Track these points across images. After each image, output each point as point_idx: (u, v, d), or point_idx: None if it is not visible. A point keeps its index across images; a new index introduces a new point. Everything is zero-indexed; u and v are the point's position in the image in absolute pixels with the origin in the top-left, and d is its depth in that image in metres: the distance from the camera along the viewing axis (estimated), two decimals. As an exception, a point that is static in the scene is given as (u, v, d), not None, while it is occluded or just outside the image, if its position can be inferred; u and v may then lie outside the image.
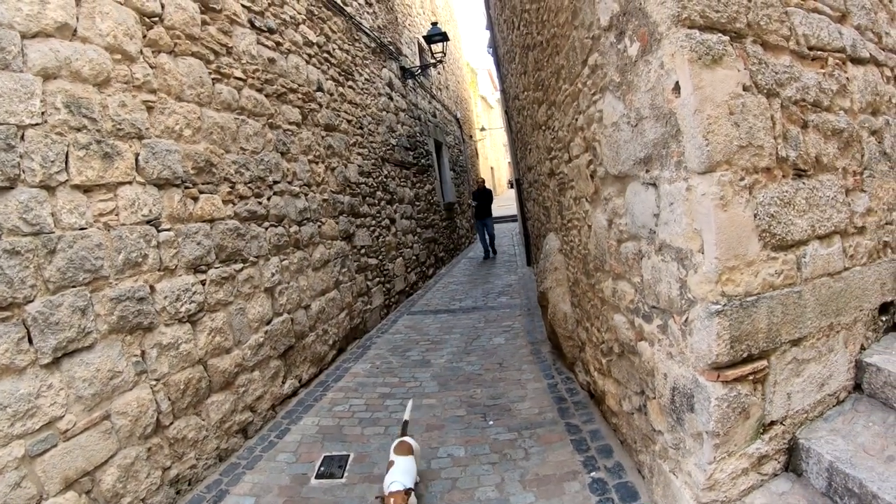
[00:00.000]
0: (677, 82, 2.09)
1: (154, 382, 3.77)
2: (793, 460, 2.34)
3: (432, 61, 13.08)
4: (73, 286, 3.28)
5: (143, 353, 3.72)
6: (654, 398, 2.70)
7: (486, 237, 14.46)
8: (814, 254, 2.32)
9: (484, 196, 14.44)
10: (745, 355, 2.15)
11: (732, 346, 2.11)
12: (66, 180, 3.29)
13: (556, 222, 5.17)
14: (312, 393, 5.56)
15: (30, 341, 2.99)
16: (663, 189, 2.30)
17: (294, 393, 5.46)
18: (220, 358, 4.44)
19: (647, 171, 2.43)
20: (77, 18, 3.39)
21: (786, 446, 2.34)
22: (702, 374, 2.18)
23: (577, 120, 3.53)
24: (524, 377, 5.26)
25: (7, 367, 2.87)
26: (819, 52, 2.44)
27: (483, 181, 15.41)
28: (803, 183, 2.29)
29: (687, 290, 2.21)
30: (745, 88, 2.12)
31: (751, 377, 2.18)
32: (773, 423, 2.29)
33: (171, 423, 3.87)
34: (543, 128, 5.15)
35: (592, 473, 3.42)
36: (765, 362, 2.21)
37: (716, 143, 2.03)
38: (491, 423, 4.37)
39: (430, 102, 14.07)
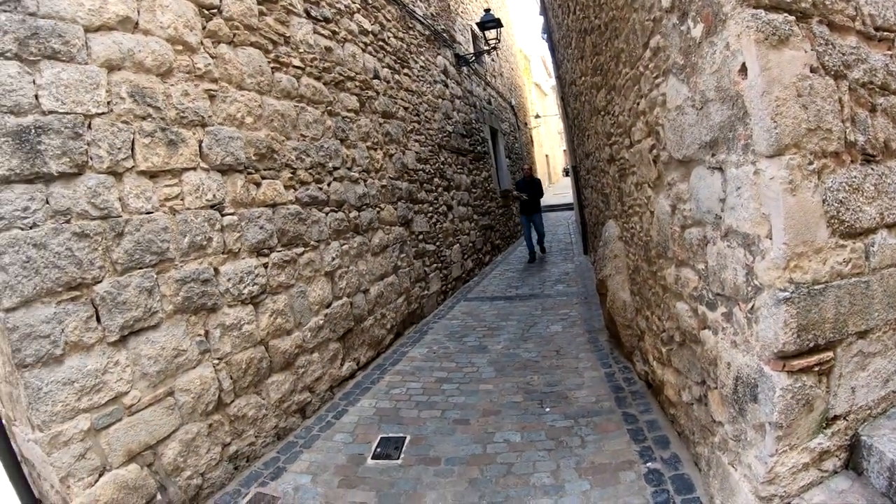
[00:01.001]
0: (744, 63, 2.02)
1: (217, 361, 3.91)
2: (853, 458, 2.25)
3: (486, 48, 12.99)
4: (140, 268, 3.41)
5: (206, 332, 3.86)
6: (716, 388, 2.65)
7: (533, 236, 12.38)
8: (882, 243, 2.21)
9: (532, 187, 12.04)
10: (811, 345, 2.08)
11: (799, 335, 2.04)
12: (133, 166, 3.41)
13: (615, 209, 5.09)
14: (370, 376, 5.65)
15: (98, 320, 3.13)
16: (730, 173, 2.24)
17: (352, 375, 5.57)
18: (281, 339, 4.56)
19: (713, 155, 2.37)
20: (138, 12, 3.51)
21: (847, 443, 2.25)
22: (767, 363, 2.13)
23: (638, 104, 3.47)
24: (581, 365, 5.24)
25: (76, 343, 3.00)
26: (886, 33, 2.31)
27: (530, 169, 13.24)
28: (872, 169, 2.19)
29: (753, 277, 2.15)
30: (812, 70, 2.04)
31: (816, 368, 2.11)
32: (836, 417, 2.21)
33: (232, 401, 4.01)
34: (602, 113, 5.07)
35: (648, 464, 3.39)
36: (830, 353, 2.13)
37: (784, 126, 1.96)
38: (548, 409, 4.36)
39: (484, 89, 13.99)
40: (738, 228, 2.24)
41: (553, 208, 23.49)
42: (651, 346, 4.01)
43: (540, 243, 12.66)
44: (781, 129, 1.96)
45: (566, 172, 43.43)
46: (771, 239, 2.03)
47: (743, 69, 2.03)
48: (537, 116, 30.52)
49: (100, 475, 3.05)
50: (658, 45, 2.87)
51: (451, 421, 4.42)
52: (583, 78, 6.43)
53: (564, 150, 47.00)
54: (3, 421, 3.30)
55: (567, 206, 21.96)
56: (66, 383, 2.95)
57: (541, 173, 28.92)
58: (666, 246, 3.22)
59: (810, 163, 2.01)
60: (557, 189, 34.26)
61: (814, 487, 2.24)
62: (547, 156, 36.16)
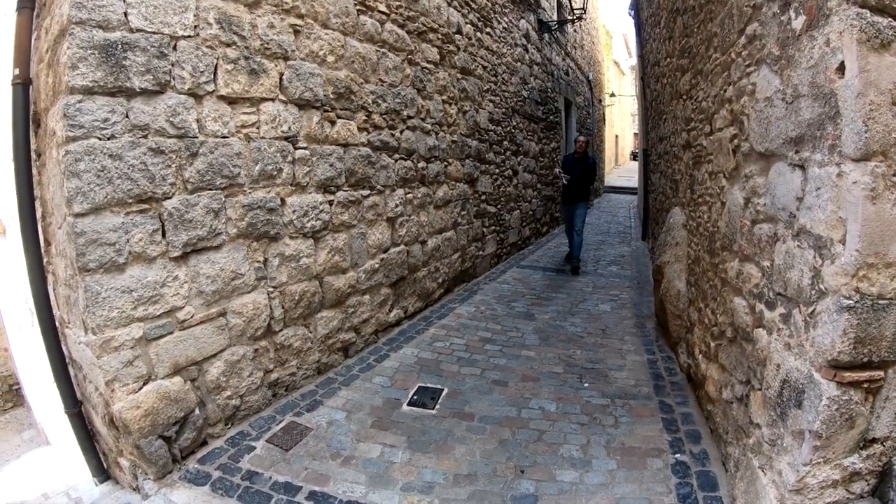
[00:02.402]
0: (842, 62, 1.95)
1: (271, 290, 4.04)
2: (882, 486, 2.19)
3: (571, 17, 12.73)
4: (210, 189, 3.53)
5: (265, 260, 3.99)
6: (760, 389, 2.62)
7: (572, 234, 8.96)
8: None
9: (581, 167, 8.77)
10: (864, 360, 2.02)
11: (855, 347, 1.99)
12: (213, 90, 3.51)
13: (684, 196, 5.01)
14: (415, 326, 5.76)
15: (163, 234, 3.24)
16: (812, 172, 2.18)
17: (398, 323, 5.67)
18: (336, 277, 4.68)
19: (797, 152, 2.31)
20: (231, -63, 3.60)
21: (879, 468, 2.19)
22: (818, 369, 2.09)
23: (725, 91, 3.38)
24: (625, 348, 5.24)
25: (139, 255, 3.12)
26: None
27: (586, 142, 9.07)
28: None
29: (819, 281, 2.11)
30: (908, 79, 1.96)
31: (865, 385, 2.05)
32: (874, 440, 2.15)
33: (280, 330, 4.13)
34: (685, 97, 4.96)
35: (677, 455, 3.40)
36: (882, 373, 2.07)
37: (874, 131, 1.89)
38: (586, 385, 4.40)
39: (563, 59, 13.73)
40: (811, 229, 2.19)
41: (616, 190, 23.29)
42: (699, 339, 3.98)
43: (572, 251, 8.88)
44: (871, 135, 1.89)
45: (634, 156, 42.61)
46: (844, 244, 1.98)
47: (840, 68, 1.96)
48: (612, 95, 29.83)
49: (144, 383, 3.17)
50: (755, 32, 2.78)
51: (489, 381, 4.48)
52: (668, 59, 6.28)
53: (635, 133, 46.07)
54: (57, 323, 3.43)
55: (630, 191, 21.77)
56: (125, 291, 3.06)
57: (607, 153, 28.34)
58: (733, 238, 3.17)
59: (895, 174, 1.95)
60: (622, 172, 33.72)
61: (837, 510, 2.21)
62: (617, 136, 35.44)
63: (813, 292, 2.16)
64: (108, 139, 2.94)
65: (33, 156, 3.40)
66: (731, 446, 3.03)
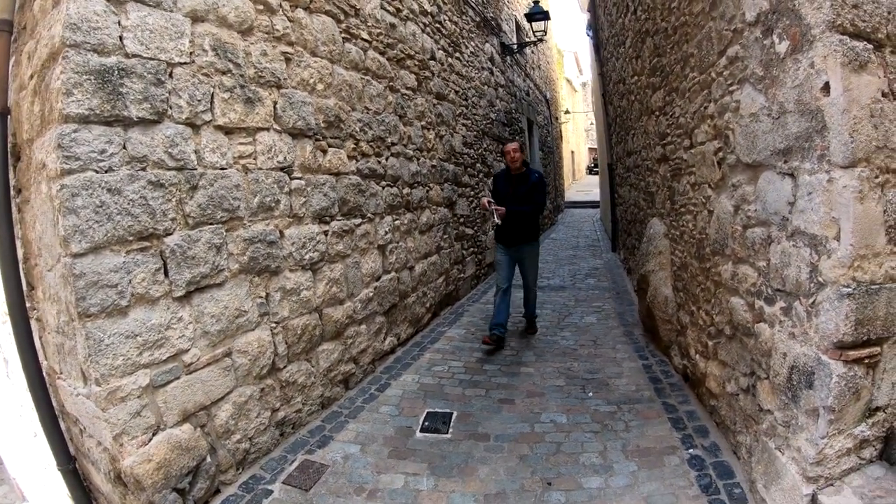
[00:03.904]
0: (827, 82, 2.22)
1: (274, 325, 3.93)
2: (887, 449, 2.45)
3: (532, 39, 13.11)
4: (211, 223, 3.39)
5: (267, 295, 3.88)
6: (767, 378, 2.83)
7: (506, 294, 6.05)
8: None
9: (522, 190, 5.83)
10: (864, 339, 2.28)
11: (857, 328, 2.25)
12: (211, 120, 3.39)
13: (662, 207, 5.27)
14: (409, 352, 5.81)
15: (165, 273, 3.07)
16: (802, 179, 2.43)
17: (392, 350, 5.70)
18: (334, 308, 4.64)
19: (786, 162, 2.56)
20: (223, -34, 3.51)
21: (884, 434, 2.45)
22: (825, 352, 2.32)
23: (706, 108, 3.64)
24: (619, 356, 5.42)
25: (142, 296, 2.94)
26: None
27: (519, 152, 5.90)
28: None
29: (818, 274, 2.35)
30: (883, 94, 2.24)
31: (866, 360, 2.31)
32: (877, 408, 2.41)
33: (285, 367, 4.04)
34: (658, 113, 5.23)
35: (690, 450, 3.55)
36: (878, 349, 2.33)
37: (859, 142, 2.18)
38: (590, 394, 4.55)
39: (524, 80, 14.13)
40: (805, 229, 2.43)
41: (577, 204, 23.74)
42: (694, 340, 4.20)
43: (528, 309, 6.46)
44: (856, 144, 2.18)
45: (590, 170, 43.42)
46: (838, 240, 2.23)
47: (826, 87, 2.23)
48: (567, 112, 30.55)
49: (153, 434, 2.99)
50: (736, 54, 3.05)
51: (496, 400, 4.57)
52: (635, 77, 6.57)
53: (590, 148, 47.03)
54: (45, 374, 3.21)
55: (592, 204, 22.15)
56: (129, 336, 2.87)
57: (565, 169, 28.86)
58: (724, 244, 3.41)
59: (877, 176, 2.23)
60: (581, 186, 34.35)
61: (852, 473, 2.44)
62: (573, 152, 36.14)
63: (812, 285, 2.40)
64: (106, 172, 2.78)
65: (12, 192, 3.20)
66: (741, 435, 3.24)
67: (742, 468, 3.22)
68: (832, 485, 2.43)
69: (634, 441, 3.76)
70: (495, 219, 5.72)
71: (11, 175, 3.21)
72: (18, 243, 3.25)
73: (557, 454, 3.70)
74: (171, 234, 3.12)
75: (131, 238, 2.90)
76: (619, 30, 7.90)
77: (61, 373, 3.18)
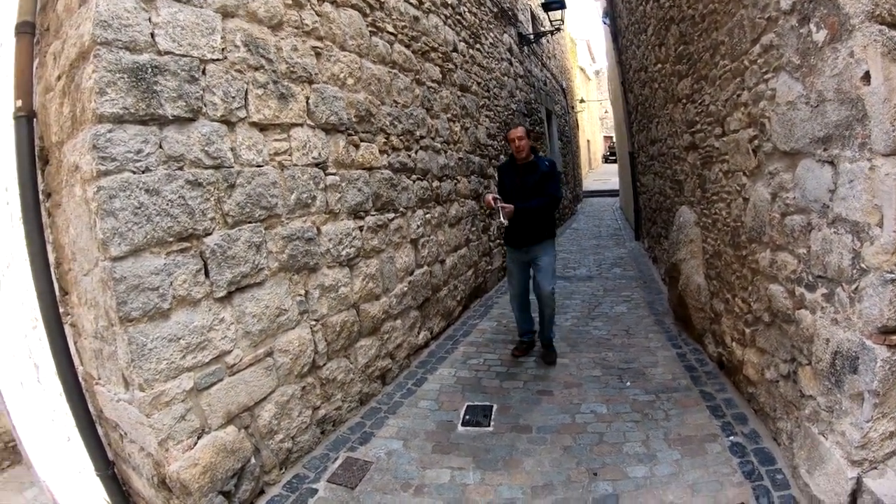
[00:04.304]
0: (867, 72, 2.23)
1: (314, 323, 3.93)
2: None
3: (550, 29, 13.07)
4: (250, 222, 3.37)
5: (306, 293, 3.88)
6: (809, 364, 2.85)
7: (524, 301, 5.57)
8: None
9: (531, 182, 5.02)
10: (906, 324, 2.31)
11: (900, 313, 2.27)
12: (245, 117, 3.36)
13: (692, 196, 5.27)
14: (443, 345, 5.85)
15: (206, 274, 3.05)
16: (843, 167, 2.44)
17: (426, 344, 5.72)
18: (371, 304, 4.67)
19: (825, 150, 2.57)
20: (251, -40, 3.48)
21: None
22: (869, 337, 2.34)
23: (739, 96, 3.65)
24: (652, 345, 5.43)
25: (183, 298, 2.90)
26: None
27: (528, 136, 5.15)
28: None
29: (860, 261, 2.37)
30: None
31: (909, 345, 2.34)
32: None
33: (325, 364, 4.04)
34: (685, 101, 5.22)
35: (731, 437, 3.57)
36: None
37: (899, 130, 2.19)
38: (628, 384, 4.57)
39: (541, 71, 14.08)
40: (847, 217, 2.45)
41: (595, 194, 23.65)
42: (730, 327, 4.21)
43: (543, 330, 5.40)
44: (898, 133, 2.19)
45: (605, 159, 43.18)
46: (881, 227, 2.25)
47: (866, 77, 2.24)
48: (582, 101, 30.39)
49: (198, 437, 2.97)
50: (771, 42, 3.05)
51: (534, 392, 4.59)
52: (659, 66, 6.55)
53: (605, 137, 46.80)
54: (81, 379, 3.20)
55: (610, 193, 22.04)
56: (172, 340, 2.84)
57: (582, 159, 28.71)
58: (761, 231, 3.42)
59: (917, 165, 2.24)
60: (597, 175, 34.24)
61: (895, 457, 2.47)
62: (588, 141, 36.01)
63: (854, 271, 2.42)
64: (143, 172, 2.73)
65: (42, 196, 3.17)
66: (782, 421, 3.27)
67: (783, 454, 3.24)
68: (876, 468, 2.46)
69: (675, 429, 3.78)
70: (501, 218, 4.73)
71: (40, 179, 3.18)
72: (49, 248, 3.22)
73: (601, 444, 3.72)
74: (210, 234, 3.10)
75: (171, 239, 2.86)
76: (640, 17, 7.85)
77: (99, 378, 3.17)
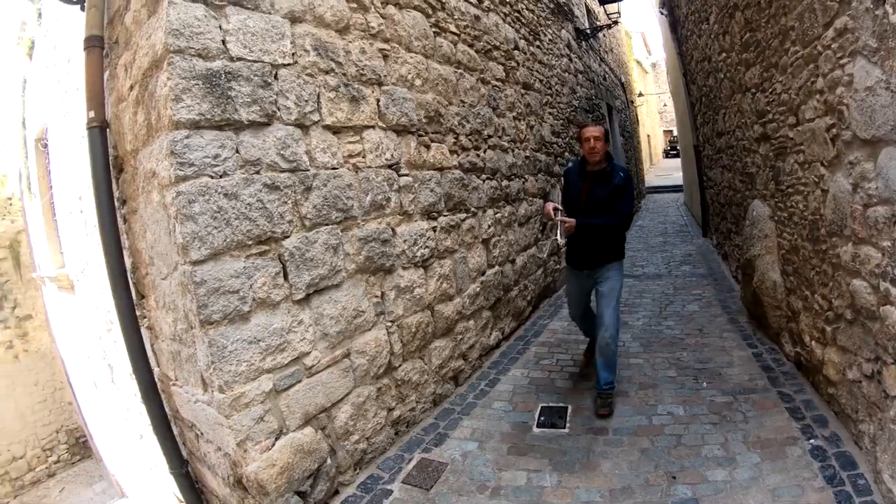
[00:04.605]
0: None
1: (390, 324, 3.99)
2: None
3: (607, 22, 12.86)
4: (327, 224, 3.43)
5: (382, 294, 3.93)
6: (894, 363, 2.70)
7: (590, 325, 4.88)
8: None
9: (605, 193, 4.25)
10: None
11: None
12: (319, 120, 3.42)
13: (765, 189, 5.07)
14: (514, 346, 5.82)
15: (285, 276, 3.10)
16: (930, 154, 2.30)
17: (497, 345, 5.69)
18: (444, 304, 4.68)
19: (910, 137, 2.43)
20: (316, -34, 3.51)
21: None
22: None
23: (813, 83, 3.48)
24: (727, 344, 5.26)
25: (263, 301, 2.96)
26: None
27: (600, 145, 4.27)
28: None
29: (952, 253, 2.23)
30: None
31: None
32: None
33: (400, 365, 4.08)
34: (755, 90, 5.03)
35: (811, 441, 3.43)
36: None
37: None
38: (704, 384, 4.44)
39: (600, 65, 13.82)
40: (935, 207, 2.31)
41: (658, 189, 23.27)
42: (809, 325, 4.03)
43: (600, 370, 4.29)
44: None
45: (666, 153, 42.20)
46: (975, 217, 2.10)
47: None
48: (640, 94, 29.78)
49: (276, 438, 3.02)
50: (845, 26, 2.90)
51: None
52: (723, 55, 6.35)
53: (665, 131, 45.78)
54: (157, 380, 3.32)
55: (672, 189, 21.65)
56: (252, 342, 2.90)
57: (642, 154, 28.13)
58: (842, 224, 3.25)
59: None
60: (658, 171, 33.50)
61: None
62: (648, 135, 35.13)
63: (943, 265, 2.27)
64: (221, 177, 2.80)
65: (117, 204, 3.30)
66: (864, 423, 3.10)
67: (865, 458, 3.09)
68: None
69: (754, 432, 3.66)
70: (557, 236, 4.11)
71: (115, 187, 3.31)
72: (126, 253, 3.35)
73: (678, 447, 3.64)
74: (288, 237, 3.16)
75: (250, 242, 2.93)
76: (701, 6, 7.64)
77: (176, 379, 3.29)
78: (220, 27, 2.85)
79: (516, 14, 7.25)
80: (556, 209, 4.16)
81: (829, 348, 3.62)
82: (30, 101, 7.71)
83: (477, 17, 5.85)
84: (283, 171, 3.15)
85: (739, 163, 6.33)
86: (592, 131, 4.27)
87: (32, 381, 11.60)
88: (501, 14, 6.62)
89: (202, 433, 3.19)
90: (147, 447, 4.40)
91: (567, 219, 4.12)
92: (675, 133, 28.44)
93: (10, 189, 12.54)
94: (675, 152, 34.77)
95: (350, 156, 3.70)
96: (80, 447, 12.14)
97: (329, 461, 3.37)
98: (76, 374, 8.46)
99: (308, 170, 3.32)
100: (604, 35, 15.08)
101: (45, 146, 7.26)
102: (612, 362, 4.26)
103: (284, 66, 3.21)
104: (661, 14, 13.07)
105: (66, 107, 4.94)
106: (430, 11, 4.85)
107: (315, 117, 3.40)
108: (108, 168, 3.21)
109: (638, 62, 34.67)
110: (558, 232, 4.08)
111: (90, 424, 9.47)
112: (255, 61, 3.01)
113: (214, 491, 3.36)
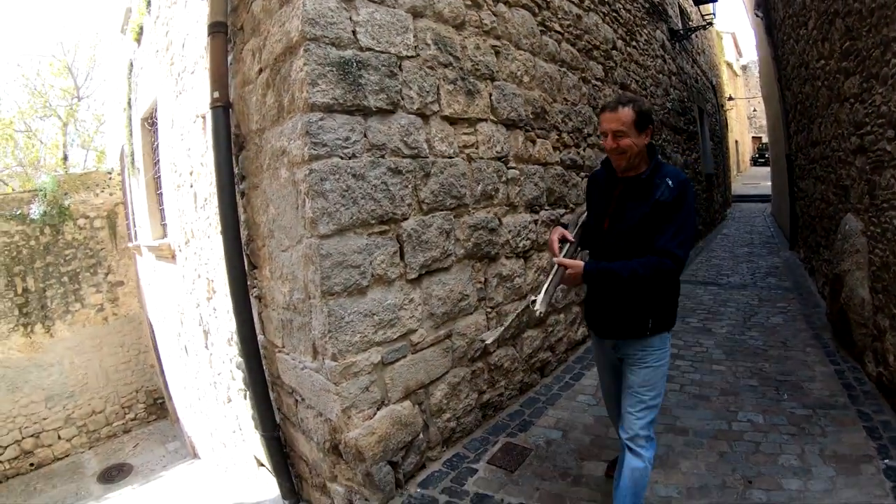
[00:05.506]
0: None
1: (489, 310, 4.15)
2: None
3: (702, 23, 12.58)
4: (442, 209, 3.65)
5: (485, 280, 4.11)
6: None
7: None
8: None
9: (637, 216, 2.50)
10: None
11: None
12: (438, 111, 3.63)
13: (860, 203, 4.92)
14: (599, 343, 5.86)
15: (401, 256, 3.32)
16: None
17: (583, 341, 5.77)
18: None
19: None
20: (434, -36, 3.69)
21: None
22: None
23: (915, 97, 3.41)
24: (810, 359, 5.16)
25: (380, 277, 3.18)
26: None
27: (626, 143, 2.49)
28: None
29: None
30: None
31: None
32: None
33: (494, 351, 4.22)
34: (853, 101, 4.89)
35: (886, 461, 3.38)
36: None
37: None
38: (785, 396, 4.40)
39: (692, 67, 13.57)
40: None
41: (745, 198, 22.64)
42: (894, 345, 3.93)
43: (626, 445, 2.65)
44: None
45: (754, 161, 40.60)
46: None
47: None
48: (730, 98, 28.78)
49: (377, 409, 3.20)
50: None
51: (691, 396, 4.54)
52: (822, 62, 6.15)
53: (754, 137, 44.05)
54: (261, 347, 3.59)
55: (760, 198, 21.01)
56: (367, 315, 3.10)
57: (731, 161, 27.19)
58: (938, 243, 3.18)
59: None
60: (746, 179, 32.39)
61: None
62: (737, 141, 33.90)
63: None
64: (350, 158, 3.00)
65: (236, 179, 3.55)
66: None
67: (938, 482, 3.02)
68: None
69: (831, 446, 3.62)
70: (541, 293, 2.52)
71: (234, 164, 3.55)
72: (242, 226, 3.63)
73: (756, 453, 3.63)
74: (407, 219, 3.37)
75: (373, 221, 3.15)
76: (799, 10, 7.39)
77: (283, 346, 3.52)
78: (350, 18, 3.05)
79: (614, 14, 7.24)
80: (563, 240, 2.74)
81: (914, 370, 3.54)
82: (137, 82, 8.14)
83: (579, 17, 5.90)
84: (405, 156, 3.35)
85: (833, 174, 6.13)
86: (609, 120, 2.56)
87: (118, 343, 12.52)
88: (601, 14, 6.64)
89: (303, 398, 3.41)
90: (232, 411, 4.71)
91: (568, 261, 2.55)
92: (765, 140, 27.39)
93: (109, 164, 13.38)
94: (763, 160, 33.51)
95: (465, 146, 3.88)
96: (157, 408, 12.96)
97: (421, 436, 3.52)
98: (164, 338, 8.91)
99: (427, 157, 3.52)
100: (696, 36, 14.76)
101: (153, 125, 7.65)
102: (640, 492, 2.64)
103: (408, 58, 3.41)
104: (757, 16, 12.66)
105: (179, 88, 5.27)
106: (537, 10, 4.96)
107: (435, 108, 3.60)
108: (230, 145, 3.48)
109: (728, 64, 33.53)
110: (548, 283, 2.55)
111: (171, 387, 9.96)
112: (382, 52, 3.21)
113: (304, 455, 3.58)
